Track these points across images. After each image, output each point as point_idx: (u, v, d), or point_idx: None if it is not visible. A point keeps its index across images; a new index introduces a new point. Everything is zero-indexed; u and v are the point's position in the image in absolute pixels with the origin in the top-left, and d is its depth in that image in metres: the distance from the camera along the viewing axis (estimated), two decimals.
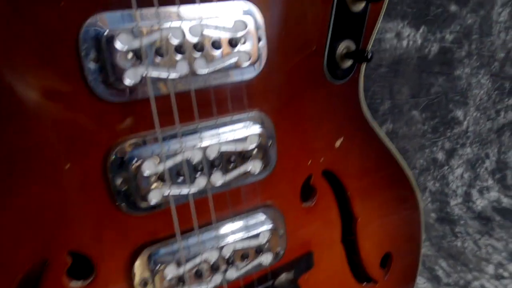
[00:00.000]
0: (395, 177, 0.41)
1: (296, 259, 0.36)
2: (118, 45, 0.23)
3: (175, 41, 0.25)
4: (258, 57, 0.28)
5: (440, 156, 1.12)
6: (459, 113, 1.09)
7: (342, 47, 0.33)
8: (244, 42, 0.27)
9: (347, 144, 0.37)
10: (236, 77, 0.28)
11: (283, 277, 0.34)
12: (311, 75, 0.32)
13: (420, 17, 0.87)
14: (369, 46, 0.33)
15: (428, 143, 1.09)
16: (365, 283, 0.43)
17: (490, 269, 0.88)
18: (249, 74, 0.29)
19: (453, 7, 0.90)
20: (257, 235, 0.31)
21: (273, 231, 0.32)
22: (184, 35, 0.25)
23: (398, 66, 0.91)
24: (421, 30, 0.89)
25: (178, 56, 0.25)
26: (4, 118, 0.23)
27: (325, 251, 0.38)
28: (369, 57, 0.30)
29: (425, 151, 1.09)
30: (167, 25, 0.24)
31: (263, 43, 0.29)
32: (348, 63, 0.33)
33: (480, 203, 1.14)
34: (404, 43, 0.89)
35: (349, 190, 0.38)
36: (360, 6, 0.32)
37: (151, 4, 0.24)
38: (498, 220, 1.10)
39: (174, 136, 0.27)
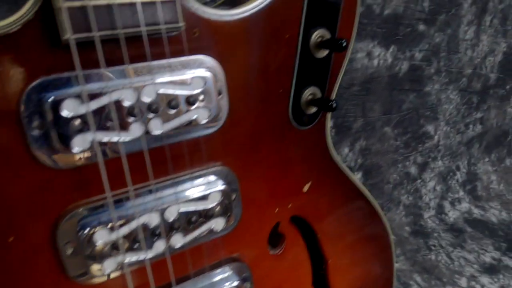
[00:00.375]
0: (365, 217, 0.40)
1: None
2: (63, 112, 0.22)
3: (126, 103, 0.23)
4: (218, 112, 0.27)
5: (413, 170, 1.14)
6: (430, 128, 1.11)
7: (307, 93, 0.32)
8: (203, 99, 0.26)
9: (316, 188, 0.36)
10: (194, 133, 0.27)
11: None
12: (276, 122, 0.31)
13: (390, 36, 0.89)
14: (334, 94, 0.33)
15: (400, 158, 1.11)
16: None
17: (463, 282, 0.89)
18: (209, 129, 0.27)
19: (421, 27, 0.92)
20: None
21: (239, 286, 0.31)
22: (137, 97, 0.23)
23: (369, 85, 0.92)
24: (391, 49, 0.90)
25: (131, 119, 0.24)
26: None
27: None
28: (333, 106, 0.30)
29: (398, 166, 1.11)
30: (117, 87, 0.23)
31: (224, 97, 0.27)
32: (314, 109, 0.32)
33: (452, 215, 1.16)
34: (375, 62, 0.90)
35: (319, 233, 0.37)
36: (324, 53, 0.31)
37: (97, 66, 0.22)
38: (470, 231, 1.12)
39: (127, 200, 0.25)
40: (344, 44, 0.28)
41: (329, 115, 0.34)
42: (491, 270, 0.91)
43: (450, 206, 1.17)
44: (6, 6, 0.46)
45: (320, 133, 0.34)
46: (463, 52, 1.03)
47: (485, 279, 0.87)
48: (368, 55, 0.88)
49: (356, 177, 0.80)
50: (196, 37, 0.26)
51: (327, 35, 0.31)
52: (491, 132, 1.27)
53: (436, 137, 1.13)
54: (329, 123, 0.35)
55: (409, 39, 0.92)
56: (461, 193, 1.22)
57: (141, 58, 0.24)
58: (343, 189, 0.38)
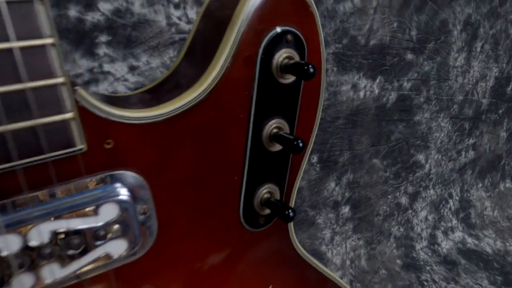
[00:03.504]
0: None
1: None
2: None
3: (12, 249, 0.18)
4: (143, 238, 0.21)
5: (404, 200, 1.09)
6: (421, 157, 1.06)
7: (263, 192, 0.26)
8: (118, 229, 0.20)
9: None
10: (112, 265, 0.21)
11: None
12: (225, 230, 0.26)
13: (376, 67, 0.84)
14: (293, 196, 0.27)
15: (390, 189, 1.06)
16: None
17: None
18: (131, 257, 0.22)
19: (409, 56, 0.88)
20: None
21: None
22: (23, 240, 0.18)
23: (356, 117, 0.87)
24: (377, 80, 0.86)
25: (17, 270, 0.18)
26: None
27: None
28: (290, 216, 0.24)
29: (388, 197, 1.06)
30: None
31: (151, 217, 0.22)
32: (269, 216, 0.27)
33: (445, 245, 1.13)
34: (361, 94, 0.85)
35: None
36: (279, 147, 0.26)
37: None
38: (464, 263, 1.09)
39: None
40: (301, 145, 0.23)
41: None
42: None
43: (443, 236, 1.14)
44: None
45: (280, 231, 0.29)
46: (454, 79, 0.98)
47: None
48: (353, 87, 0.83)
49: (343, 210, 0.74)
50: (109, 150, 0.20)
51: (285, 126, 0.25)
52: (484, 158, 1.22)
53: (427, 165, 1.09)
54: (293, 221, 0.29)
55: (397, 68, 0.87)
56: (454, 221, 1.18)
57: (36, 187, 0.18)
58: (312, 283, 0.33)
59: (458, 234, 1.17)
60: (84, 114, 0.19)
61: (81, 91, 0.18)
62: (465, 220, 1.21)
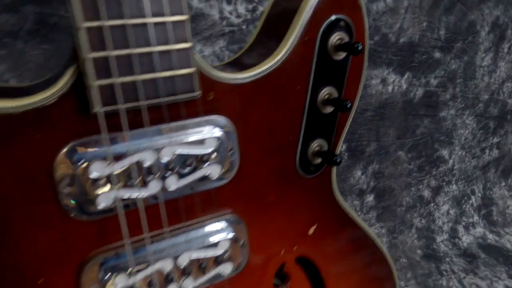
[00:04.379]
0: (370, 258, 0.42)
1: None
2: (91, 173, 0.24)
3: (146, 163, 0.26)
4: (230, 167, 0.29)
5: (426, 193, 1.13)
6: (445, 152, 1.11)
7: (314, 145, 0.34)
8: (215, 157, 0.28)
9: (321, 230, 0.38)
10: (206, 186, 0.29)
11: None
12: (284, 172, 0.34)
13: (405, 64, 0.90)
14: (339, 146, 0.35)
15: (414, 182, 1.10)
16: None
17: None
18: (220, 182, 0.30)
19: (437, 54, 0.93)
20: None
21: None
22: (155, 157, 0.26)
23: (384, 110, 0.93)
24: (406, 76, 0.91)
25: (150, 177, 0.26)
26: None
27: None
28: (337, 161, 0.32)
29: (411, 189, 1.11)
30: (138, 149, 0.26)
31: (235, 152, 0.30)
32: (319, 159, 0.34)
33: (466, 240, 1.14)
34: (390, 88, 0.91)
35: (323, 273, 0.39)
36: (331, 109, 0.33)
37: (120, 129, 0.25)
38: (483, 257, 1.11)
39: (143, 247, 0.28)
40: (349, 106, 0.30)
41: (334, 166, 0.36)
42: None
43: (464, 231, 1.15)
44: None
45: (326, 180, 0.36)
46: (480, 78, 1.03)
47: None
48: (382, 82, 0.89)
49: (368, 199, 0.80)
50: (210, 100, 0.28)
51: (335, 93, 0.33)
52: (508, 157, 1.25)
53: (450, 161, 1.13)
54: (335, 170, 0.37)
55: (425, 66, 0.92)
56: (476, 217, 1.20)
57: (160, 121, 0.26)
58: (347, 231, 0.40)
59: (479, 230, 1.19)
60: (199, 71, 0.27)
61: (196, 55, 0.26)
62: (487, 217, 1.23)
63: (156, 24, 0.23)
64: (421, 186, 1.11)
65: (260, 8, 0.71)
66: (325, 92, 0.33)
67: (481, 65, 1.01)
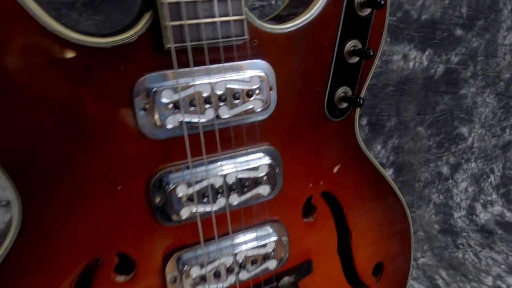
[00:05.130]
0: (386, 197, 0.48)
1: (297, 265, 0.43)
2: (163, 99, 0.31)
3: (204, 94, 0.32)
4: (269, 103, 0.35)
5: (445, 170, 1.15)
6: (464, 130, 1.13)
7: (340, 92, 0.39)
8: (258, 93, 0.34)
9: (344, 170, 0.43)
10: (251, 119, 0.35)
11: (286, 280, 0.41)
12: (313, 114, 0.39)
13: (426, 40, 0.93)
14: (363, 93, 0.40)
15: (433, 158, 1.13)
16: None
17: (489, 280, 0.91)
18: (262, 116, 0.36)
19: (458, 31, 0.96)
20: (264, 245, 0.38)
21: (278, 242, 0.39)
22: (212, 89, 0.32)
23: (404, 86, 0.97)
24: (427, 53, 0.95)
25: (207, 105, 0.32)
26: (78, 163, 0.31)
27: (322, 259, 0.45)
28: (361, 102, 0.37)
29: (430, 165, 1.14)
30: (198, 82, 0.32)
31: (274, 91, 0.36)
32: (345, 104, 0.40)
33: (483, 217, 1.15)
34: (411, 64, 0.94)
35: (345, 208, 0.45)
36: (355, 59, 0.38)
37: (187, 66, 0.31)
38: (500, 233, 1.12)
39: (201, 165, 0.34)
40: (372, 53, 0.36)
41: (357, 110, 0.42)
42: None
43: (482, 208, 1.17)
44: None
45: (349, 124, 0.42)
46: (502, 56, 1.05)
47: (511, 279, 0.87)
48: (404, 58, 0.93)
49: (387, 173, 0.85)
50: (255, 45, 0.34)
51: (359, 45, 0.38)
52: None
53: (470, 139, 1.15)
54: (357, 117, 0.42)
55: (446, 43, 0.95)
56: (494, 196, 1.21)
57: (217, 61, 0.33)
58: (367, 172, 0.46)
59: (497, 208, 1.20)
60: (247, 19, 0.33)
61: (245, 8, 0.32)
62: (505, 196, 1.25)
63: None
64: (440, 163, 1.14)
65: None
66: (351, 44, 0.38)
67: (503, 44, 1.03)
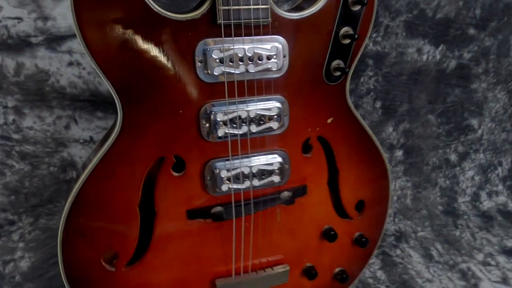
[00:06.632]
0: (369, 148, 0.64)
1: (295, 187, 0.60)
2: (212, 56, 0.49)
3: (239, 55, 0.50)
4: (282, 66, 0.53)
5: (453, 157, 1.21)
6: (474, 122, 1.20)
7: (335, 63, 0.56)
8: (275, 58, 0.52)
9: (336, 122, 0.60)
10: (269, 75, 0.53)
11: (285, 193, 0.59)
12: (314, 78, 0.56)
13: (440, 37, 1.05)
14: (353, 66, 0.56)
15: (442, 145, 1.20)
16: (343, 218, 0.67)
17: (480, 256, 0.99)
18: (277, 74, 0.54)
19: (471, 31, 1.07)
20: (272, 164, 0.56)
21: (282, 164, 0.57)
22: (244, 52, 0.50)
23: (417, 76, 1.09)
24: (440, 48, 1.07)
25: (240, 63, 0.51)
26: (157, 91, 0.50)
27: (315, 187, 0.62)
28: (346, 71, 0.54)
29: (438, 151, 1.20)
30: (236, 46, 0.50)
31: (286, 58, 0.53)
32: (338, 73, 0.57)
33: (486, 204, 1.20)
34: (424, 57, 1.07)
35: (335, 151, 0.62)
36: (347, 41, 0.55)
37: (229, 35, 0.50)
38: (500, 220, 1.15)
39: (233, 103, 0.53)
40: (357, 37, 0.52)
41: (348, 78, 0.58)
42: (510, 252, 0.97)
43: (486, 196, 1.22)
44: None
45: (342, 88, 0.59)
46: None
47: (501, 258, 0.95)
48: (418, 51, 1.05)
49: (397, 154, 0.98)
50: (276, 26, 0.52)
51: (351, 31, 0.55)
52: None
53: (479, 131, 1.21)
54: (348, 83, 0.59)
55: (459, 40, 1.06)
56: (500, 187, 1.25)
57: (249, 34, 0.50)
58: (354, 126, 0.62)
59: (501, 198, 1.23)
60: (270, 8, 0.50)
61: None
62: (511, 188, 1.29)
63: None
64: (448, 150, 1.21)
65: None
66: (345, 30, 0.55)
67: None
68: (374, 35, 1.00)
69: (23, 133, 0.90)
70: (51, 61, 0.85)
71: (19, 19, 0.80)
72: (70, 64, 0.86)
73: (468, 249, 1.06)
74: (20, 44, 0.82)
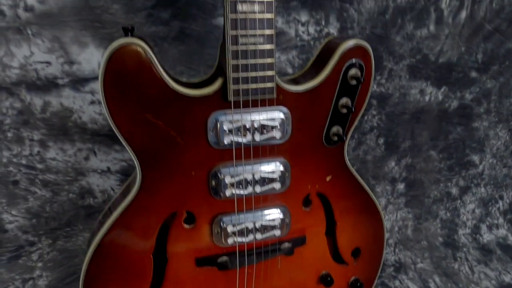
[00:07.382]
0: (365, 202, 0.69)
1: (294, 237, 0.66)
2: (223, 127, 0.55)
3: (247, 126, 0.56)
4: (285, 134, 0.59)
5: (454, 191, 1.24)
6: (475, 158, 1.22)
7: (333, 130, 0.62)
8: (279, 127, 0.58)
9: (334, 179, 0.66)
10: (272, 142, 0.59)
11: (285, 244, 0.65)
12: (314, 142, 0.62)
13: (442, 79, 1.09)
14: (350, 132, 0.62)
15: (443, 179, 1.22)
16: (339, 263, 0.72)
17: None
18: (280, 141, 0.59)
19: (473, 74, 1.10)
20: (273, 220, 0.62)
21: (283, 219, 0.63)
22: (251, 123, 0.56)
23: (420, 115, 1.13)
24: (442, 89, 1.10)
25: (247, 132, 0.56)
26: (173, 156, 0.56)
27: (314, 237, 0.68)
28: (344, 139, 0.59)
29: (439, 185, 1.22)
30: (244, 118, 0.56)
31: (289, 126, 0.59)
32: (336, 138, 0.62)
33: (486, 237, 1.23)
34: (427, 98, 1.11)
35: (333, 205, 0.67)
36: (345, 110, 0.60)
37: (239, 109, 0.55)
38: (499, 254, 1.18)
39: (240, 166, 0.58)
40: (354, 109, 0.58)
41: (346, 141, 0.64)
42: (507, 287, 0.99)
43: (487, 229, 1.24)
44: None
45: (340, 150, 0.64)
46: None
47: None
48: (420, 92, 1.09)
49: (399, 187, 1.03)
50: (280, 98, 0.58)
51: (349, 102, 0.60)
52: None
53: (481, 166, 1.23)
54: (346, 146, 0.64)
55: (461, 82, 1.10)
56: (501, 220, 1.27)
57: (256, 106, 0.56)
58: (351, 183, 0.67)
59: (502, 231, 1.25)
60: (276, 84, 0.56)
61: (276, 76, 0.55)
62: None
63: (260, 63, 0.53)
64: (449, 184, 1.23)
65: (325, 30, 0.97)
66: (343, 101, 0.60)
67: None
68: (378, 78, 1.05)
69: (46, 163, 0.97)
70: (75, 100, 0.92)
71: (48, 63, 0.87)
72: (92, 102, 0.93)
73: (466, 283, 1.08)
74: (48, 85, 0.89)
